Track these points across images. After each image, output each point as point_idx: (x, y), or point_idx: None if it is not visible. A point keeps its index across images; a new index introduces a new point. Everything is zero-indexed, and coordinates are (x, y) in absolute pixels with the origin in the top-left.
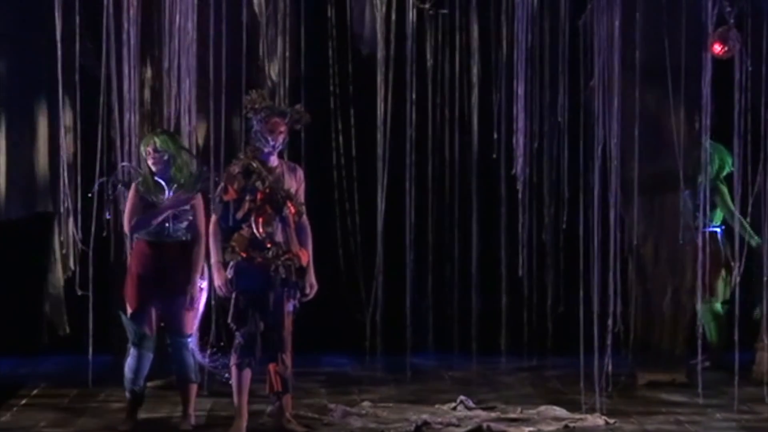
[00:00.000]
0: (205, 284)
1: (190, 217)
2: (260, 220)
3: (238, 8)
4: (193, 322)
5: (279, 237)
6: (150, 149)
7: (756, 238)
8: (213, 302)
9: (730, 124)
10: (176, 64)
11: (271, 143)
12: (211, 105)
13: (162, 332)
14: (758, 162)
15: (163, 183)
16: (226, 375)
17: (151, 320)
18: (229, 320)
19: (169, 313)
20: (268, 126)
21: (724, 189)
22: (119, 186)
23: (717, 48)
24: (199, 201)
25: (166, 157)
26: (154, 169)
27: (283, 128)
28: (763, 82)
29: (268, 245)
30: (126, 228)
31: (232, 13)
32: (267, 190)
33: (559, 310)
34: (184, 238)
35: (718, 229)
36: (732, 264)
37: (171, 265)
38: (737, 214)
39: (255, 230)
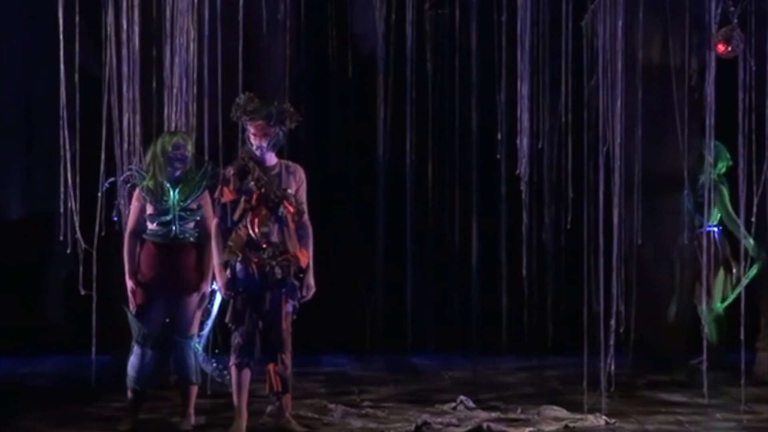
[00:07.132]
0: (216, 287)
1: (198, 218)
2: (256, 220)
3: (237, 8)
4: (197, 324)
5: (275, 237)
6: (179, 148)
7: (752, 242)
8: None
9: (734, 124)
10: (176, 64)
11: (255, 145)
12: (206, 105)
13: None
14: (762, 162)
15: (169, 186)
16: (227, 375)
17: (156, 320)
18: (227, 320)
19: (175, 313)
20: (252, 129)
21: (725, 190)
22: (128, 185)
23: (721, 48)
24: (206, 200)
25: (188, 158)
26: (171, 168)
27: (268, 130)
28: (767, 82)
29: (264, 245)
30: (127, 235)
31: (232, 13)
32: (262, 190)
33: (559, 310)
34: (191, 239)
35: (716, 229)
36: (732, 263)
37: (178, 265)
38: (734, 215)
39: (251, 231)
